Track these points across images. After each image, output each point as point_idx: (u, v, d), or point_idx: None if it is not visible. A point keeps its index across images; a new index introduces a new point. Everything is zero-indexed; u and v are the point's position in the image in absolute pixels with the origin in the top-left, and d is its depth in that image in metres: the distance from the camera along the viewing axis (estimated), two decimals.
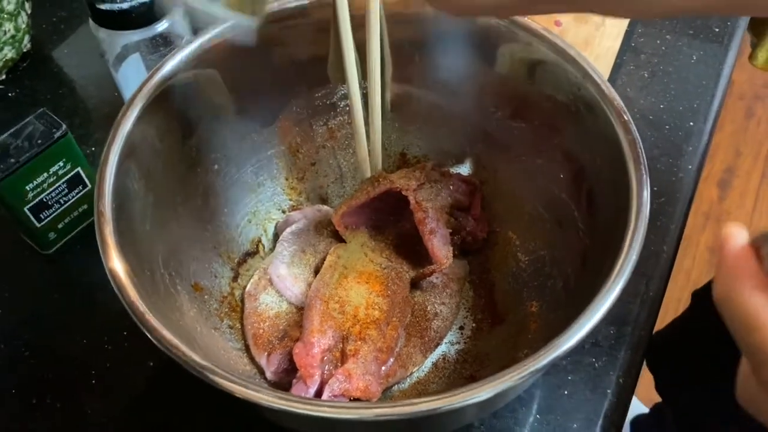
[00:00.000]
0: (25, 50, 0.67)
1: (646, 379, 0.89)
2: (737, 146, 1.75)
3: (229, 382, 0.32)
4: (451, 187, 0.52)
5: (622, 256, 0.37)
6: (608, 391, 0.48)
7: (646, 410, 1.08)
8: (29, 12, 0.67)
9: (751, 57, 0.93)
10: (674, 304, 1.45)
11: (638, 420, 1.06)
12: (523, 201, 0.51)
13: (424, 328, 0.48)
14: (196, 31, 0.56)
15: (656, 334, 0.86)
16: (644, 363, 0.54)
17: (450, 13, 0.31)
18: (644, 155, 0.39)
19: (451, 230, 0.51)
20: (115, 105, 0.64)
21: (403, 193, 0.48)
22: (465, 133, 0.54)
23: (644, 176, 0.38)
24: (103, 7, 0.50)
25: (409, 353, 0.47)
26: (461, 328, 0.50)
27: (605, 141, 0.42)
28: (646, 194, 0.38)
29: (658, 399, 0.91)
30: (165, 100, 0.44)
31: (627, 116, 0.41)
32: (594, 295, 0.36)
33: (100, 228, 0.36)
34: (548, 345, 0.35)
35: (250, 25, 0.40)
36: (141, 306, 0.34)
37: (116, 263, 0.35)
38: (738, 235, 0.28)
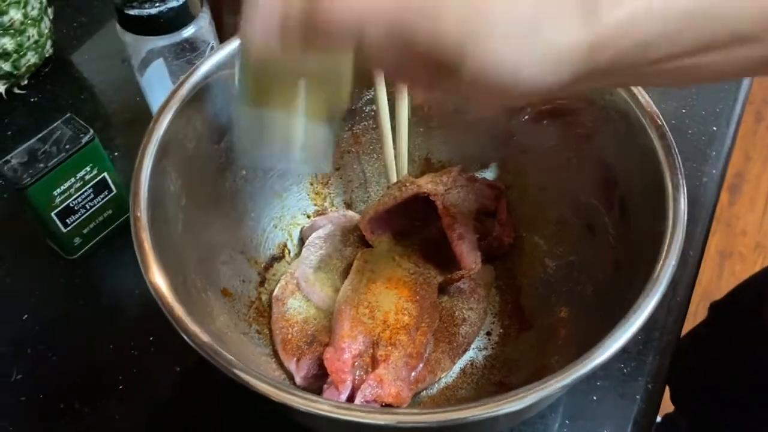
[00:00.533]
0: (47, 55, 0.67)
1: None
2: (747, 151, 1.75)
3: (273, 388, 0.32)
4: (478, 192, 0.52)
5: (659, 266, 0.36)
6: (637, 396, 0.48)
7: (657, 419, 1.07)
8: (51, 17, 0.67)
9: None
10: (701, 313, 1.44)
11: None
12: (550, 206, 0.51)
13: (452, 333, 0.48)
14: (222, 40, 0.57)
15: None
16: None
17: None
18: (680, 162, 0.39)
19: (477, 235, 0.51)
20: (137, 110, 0.65)
21: (431, 197, 0.48)
22: (490, 137, 0.54)
23: (681, 183, 0.38)
24: (132, 12, 0.50)
25: (438, 359, 0.47)
26: (488, 333, 0.50)
27: (638, 146, 0.42)
28: (683, 202, 0.38)
29: (669, 408, 0.91)
30: (198, 103, 0.44)
31: (661, 121, 0.41)
32: (628, 302, 0.36)
33: (137, 233, 0.36)
34: (583, 356, 0.34)
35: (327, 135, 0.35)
36: (181, 314, 0.34)
37: (156, 274, 0.35)
38: None
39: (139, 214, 0.37)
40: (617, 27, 0.26)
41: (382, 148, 0.51)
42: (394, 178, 0.52)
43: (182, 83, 0.42)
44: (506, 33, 0.26)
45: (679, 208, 0.37)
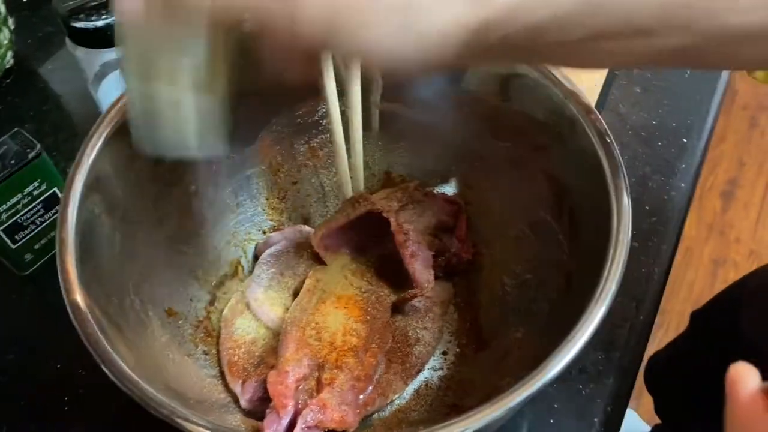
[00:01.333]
0: (8, 66, 0.66)
1: (648, 398, 0.87)
2: (740, 157, 1.73)
3: (187, 422, 0.30)
4: (435, 208, 0.51)
5: (602, 281, 0.35)
6: (595, 420, 0.47)
7: (647, 429, 1.06)
8: (12, 28, 0.66)
9: (750, 71, 0.91)
10: (677, 317, 1.42)
11: None
12: (509, 222, 0.50)
13: (405, 354, 0.47)
14: None
15: (655, 355, 0.84)
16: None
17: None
18: (627, 179, 0.38)
19: (435, 252, 0.49)
20: None
21: (384, 214, 0.47)
22: (450, 152, 0.52)
23: (625, 201, 0.37)
24: (79, 24, 0.49)
25: (390, 380, 0.46)
26: (444, 353, 0.49)
27: (587, 162, 0.40)
28: (627, 220, 0.36)
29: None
30: None
31: (609, 138, 0.40)
32: (578, 320, 0.35)
33: (61, 257, 0.35)
34: (530, 374, 0.33)
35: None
36: (95, 335, 0.33)
37: (76, 295, 0.34)
38: (747, 378, 0.27)
39: (64, 237, 0.36)
40: (507, 10, 0.26)
41: (337, 162, 0.50)
42: (349, 193, 0.51)
43: (117, 101, 0.41)
44: (373, 22, 0.26)
45: (622, 228, 0.36)
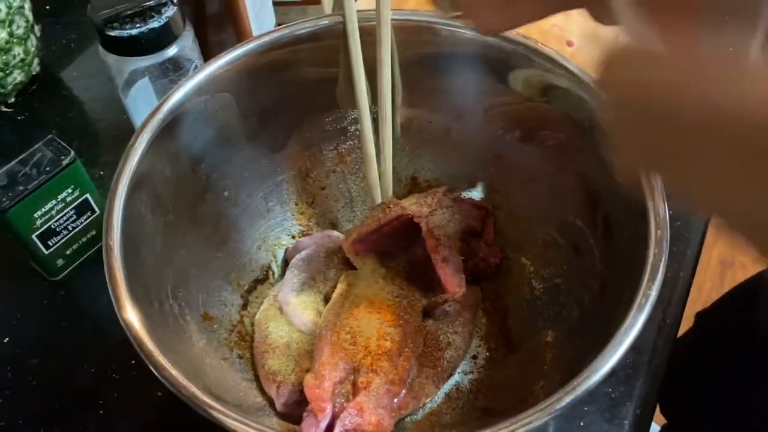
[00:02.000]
0: (34, 73, 0.67)
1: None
2: None
3: (236, 422, 0.31)
4: (463, 213, 0.51)
5: (642, 290, 0.36)
6: (625, 422, 0.47)
7: (656, 429, 1.06)
8: (38, 35, 0.67)
9: None
10: (686, 321, 1.43)
11: None
12: (537, 226, 0.50)
13: (436, 358, 0.47)
14: (206, 58, 0.56)
15: None
16: None
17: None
18: (662, 183, 0.38)
19: (463, 257, 0.50)
20: (124, 128, 0.65)
21: (415, 219, 0.48)
22: (477, 156, 0.53)
23: (663, 206, 0.37)
24: (112, 33, 0.50)
25: (422, 384, 0.46)
26: (474, 357, 0.49)
27: None
28: (666, 227, 0.37)
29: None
30: (175, 128, 0.43)
31: None
32: (614, 327, 0.36)
33: (109, 264, 0.36)
34: (570, 382, 0.34)
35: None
36: (150, 345, 0.33)
37: (127, 304, 0.35)
38: None
39: (111, 243, 0.37)
40: None
41: (366, 168, 0.51)
42: (378, 199, 0.52)
43: (158, 108, 0.42)
44: None
45: (662, 229, 0.37)
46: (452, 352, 0.48)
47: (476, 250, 0.51)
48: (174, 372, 0.33)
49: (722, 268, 1.55)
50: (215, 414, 0.32)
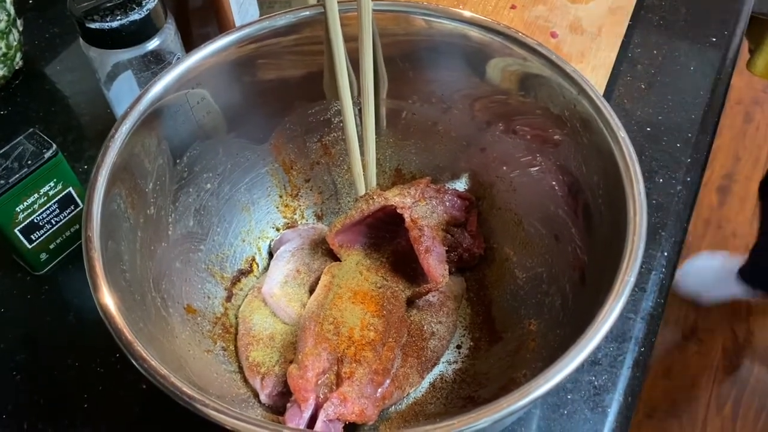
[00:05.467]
0: (17, 68, 0.67)
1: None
2: (736, 152, 1.75)
3: (218, 413, 0.31)
4: (447, 204, 0.51)
5: (620, 276, 0.36)
6: (609, 410, 0.47)
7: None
8: (21, 29, 0.66)
9: (749, 64, 0.93)
10: (675, 312, 1.44)
11: None
12: (520, 217, 0.50)
13: (420, 347, 0.47)
14: (189, 48, 0.56)
15: None
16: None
17: None
18: (640, 174, 0.39)
19: (447, 247, 0.50)
20: (108, 122, 0.64)
21: (398, 210, 0.48)
22: (461, 148, 0.53)
23: (641, 196, 0.38)
24: (93, 26, 0.50)
25: (406, 374, 0.46)
26: (458, 346, 0.50)
27: (601, 157, 0.41)
28: (644, 215, 0.37)
29: None
30: (155, 120, 0.43)
31: (623, 133, 0.40)
32: (593, 314, 0.36)
33: (88, 255, 0.36)
34: (548, 369, 0.34)
35: None
36: (128, 335, 0.33)
37: (104, 292, 0.35)
38: None
39: (90, 234, 0.36)
40: None
41: (350, 159, 0.51)
42: (362, 190, 0.52)
43: (138, 100, 0.42)
44: None
45: (639, 222, 0.37)
46: (436, 342, 0.48)
47: (460, 240, 0.51)
48: (154, 363, 0.33)
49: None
50: (197, 405, 0.32)
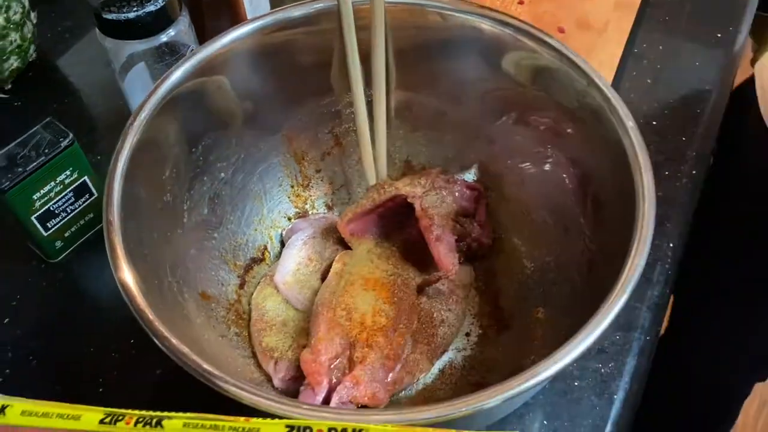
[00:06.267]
0: (30, 59, 0.68)
1: None
2: None
3: (238, 389, 0.32)
4: (457, 194, 0.52)
5: (628, 265, 0.37)
6: (615, 396, 0.48)
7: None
8: (35, 22, 0.67)
9: (753, 61, 0.93)
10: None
11: None
12: (529, 207, 0.51)
13: (430, 334, 0.48)
14: (202, 40, 0.57)
15: None
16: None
17: None
18: (650, 163, 0.39)
19: (456, 237, 0.51)
20: (121, 113, 0.65)
21: (409, 200, 0.49)
22: (470, 139, 0.54)
23: (650, 185, 0.38)
24: (109, 16, 0.50)
25: (417, 360, 0.47)
26: (467, 334, 0.50)
27: (611, 148, 0.42)
28: (652, 203, 0.38)
29: None
30: (172, 109, 0.44)
31: (632, 123, 0.41)
32: (601, 302, 0.37)
33: (109, 237, 0.37)
34: (554, 353, 0.35)
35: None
36: (150, 314, 0.34)
37: (126, 272, 0.36)
38: None
39: (111, 218, 0.37)
40: None
41: (361, 150, 0.51)
42: (373, 180, 0.52)
43: (156, 89, 0.43)
44: None
45: (647, 211, 0.38)
46: (446, 329, 0.49)
47: (469, 230, 0.52)
48: (175, 342, 0.33)
49: None
50: (218, 382, 0.32)
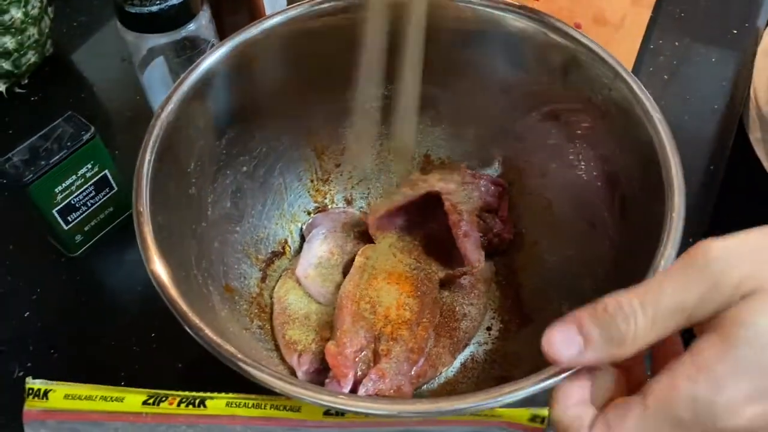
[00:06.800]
0: (47, 54, 0.68)
1: None
2: None
3: (272, 378, 0.32)
4: (483, 189, 0.52)
5: (658, 260, 0.36)
6: None
7: None
8: (52, 16, 0.67)
9: None
10: None
11: None
12: (552, 203, 0.51)
13: (453, 328, 0.48)
14: (222, 38, 0.57)
15: None
16: None
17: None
18: (678, 156, 0.39)
19: (480, 233, 0.51)
20: (137, 108, 0.65)
21: (444, 197, 0.49)
22: (492, 134, 0.54)
23: (680, 182, 0.38)
24: (132, 10, 0.50)
25: (439, 353, 0.47)
26: (489, 328, 0.50)
27: (638, 142, 0.42)
28: (682, 202, 0.38)
29: None
30: (198, 102, 0.44)
31: (659, 115, 0.41)
32: None
33: (139, 227, 0.37)
34: None
35: None
36: (183, 305, 0.34)
37: (157, 264, 0.35)
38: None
39: (141, 209, 0.37)
40: None
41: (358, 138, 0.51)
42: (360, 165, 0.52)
43: (183, 80, 0.43)
44: None
45: (678, 207, 0.37)
46: (468, 323, 0.49)
47: (491, 226, 0.52)
48: (209, 332, 0.33)
49: None
50: (250, 370, 0.32)
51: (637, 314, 0.28)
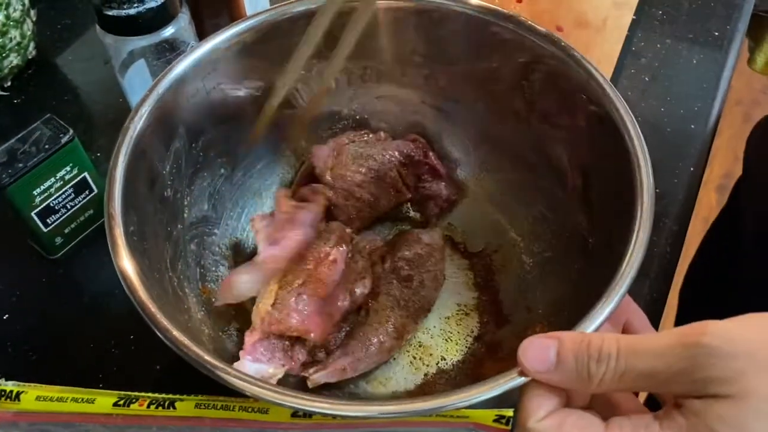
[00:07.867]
0: (30, 57, 0.68)
1: None
2: (735, 151, 1.76)
3: (240, 381, 0.32)
4: (393, 145, 0.53)
5: (626, 259, 0.37)
6: None
7: None
8: (34, 19, 0.67)
9: (750, 61, 0.94)
10: (673, 310, 1.45)
11: None
12: (528, 203, 0.51)
13: (412, 296, 0.49)
14: (201, 37, 0.57)
15: None
16: None
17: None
18: (648, 158, 0.40)
19: (427, 197, 0.54)
20: (120, 111, 0.65)
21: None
22: (468, 136, 0.54)
23: (648, 181, 0.39)
24: (110, 12, 0.50)
25: (404, 324, 0.47)
26: (469, 331, 0.50)
27: (610, 143, 0.42)
28: (650, 201, 0.38)
29: None
30: (173, 104, 0.44)
31: (630, 116, 0.41)
32: (599, 297, 0.37)
33: (110, 230, 0.37)
34: None
35: None
36: (151, 306, 0.34)
37: (126, 264, 0.36)
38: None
39: (113, 212, 0.37)
40: None
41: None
42: None
43: (157, 82, 0.43)
44: None
45: (647, 204, 0.38)
46: (426, 291, 0.49)
47: (437, 192, 0.54)
48: (177, 333, 0.33)
49: None
50: (219, 373, 0.33)
51: (610, 364, 0.29)
